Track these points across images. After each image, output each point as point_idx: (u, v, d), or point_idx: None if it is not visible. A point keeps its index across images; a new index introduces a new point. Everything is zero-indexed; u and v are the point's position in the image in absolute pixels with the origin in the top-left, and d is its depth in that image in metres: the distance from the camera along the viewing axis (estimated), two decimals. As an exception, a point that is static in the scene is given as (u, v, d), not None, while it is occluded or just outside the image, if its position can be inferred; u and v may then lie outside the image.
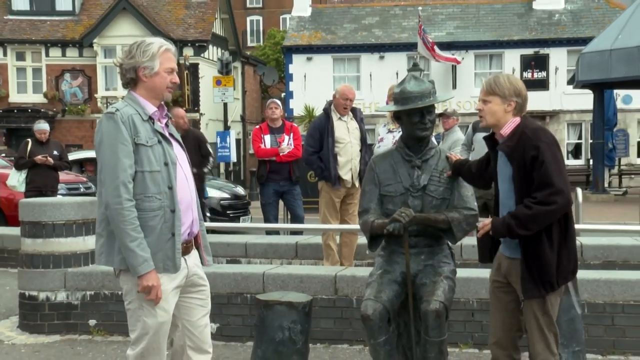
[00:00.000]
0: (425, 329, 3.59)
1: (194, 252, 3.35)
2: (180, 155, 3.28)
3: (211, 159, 9.27)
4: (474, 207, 3.78)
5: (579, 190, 8.54)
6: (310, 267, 6.05)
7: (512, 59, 26.89)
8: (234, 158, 22.59)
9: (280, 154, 8.03)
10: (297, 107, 26.55)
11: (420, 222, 3.69)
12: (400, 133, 4.04)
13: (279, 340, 4.03)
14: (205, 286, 3.38)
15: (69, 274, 5.54)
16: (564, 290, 3.49)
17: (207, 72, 25.91)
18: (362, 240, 6.38)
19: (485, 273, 4.30)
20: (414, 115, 3.74)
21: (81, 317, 5.52)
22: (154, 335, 3.17)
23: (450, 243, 3.87)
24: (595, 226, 7.44)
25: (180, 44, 24.96)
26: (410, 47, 26.20)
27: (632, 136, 26.21)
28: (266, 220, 8.27)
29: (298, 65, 27.60)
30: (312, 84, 26.90)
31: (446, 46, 26.35)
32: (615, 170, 24.02)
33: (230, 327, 5.26)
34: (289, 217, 9.12)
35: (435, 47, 25.05)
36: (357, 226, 4.28)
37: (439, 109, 5.16)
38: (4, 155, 15.56)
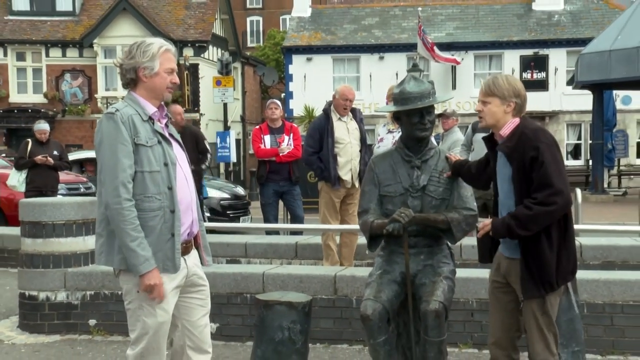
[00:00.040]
0: (425, 329, 3.60)
1: (194, 252, 3.35)
2: (180, 156, 3.29)
3: (209, 156, 9.22)
4: (474, 208, 3.79)
5: (579, 191, 8.55)
6: (310, 267, 6.05)
7: (511, 60, 26.90)
8: (233, 158, 22.61)
9: (280, 154, 8.03)
10: (297, 107, 26.56)
11: (420, 223, 3.70)
12: (400, 133, 4.04)
13: (279, 340, 4.03)
14: (205, 286, 3.38)
15: (69, 274, 5.55)
16: (564, 290, 3.49)
17: (207, 73, 25.91)
18: (362, 240, 6.39)
19: (484, 273, 4.30)
20: (414, 116, 3.75)
21: (81, 317, 5.53)
22: (153, 335, 3.17)
23: (449, 243, 3.87)
24: (595, 226, 7.44)
25: (180, 44, 24.98)
26: (410, 47, 26.21)
27: (632, 137, 26.22)
28: (266, 221, 8.28)
29: (298, 65, 27.60)
30: (311, 84, 26.91)
31: (446, 47, 26.36)
32: (614, 171, 24.03)
33: (230, 327, 5.26)
34: (289, 217, 9.13)
35: (435, 48, 25.06)
36: (357, 226, 4.29)
37: (438, 110, 5.17)
38: (4, 155, 15.56)
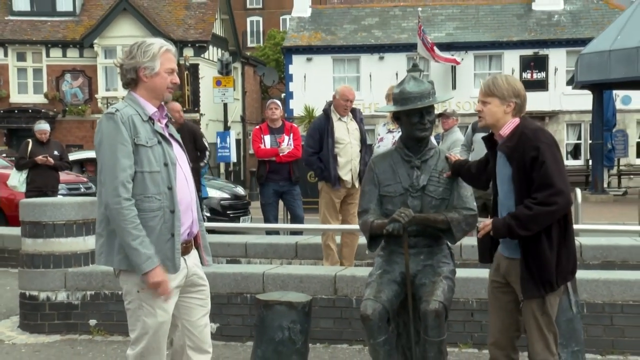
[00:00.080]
0: (425, 328, 3.60)
1: (194, 252, 3.36)
2: (180, 156, 3.29)
3: (207, 153, 9.20)
4: (473, 208, 3.79)
5: (578, 191, 8.56)
6: (310, 267, 6.06)
7: (511, 60, 26.90)
8: (234, 158, 22.62)
9: (280, 154, 8.04)
10: (297, 107, 26.57)
11: (420, 223, 3.70)
12: (400, 133, 4.05)
13: (279, 340, 4.04)
14: (205, 286, 3.39)
15: (69, 274, 5.55)
16: (563, 290, 3.50)
17: (207, 73, 25.92)
18: (362, 240, 6.39)
19: (484, 273, 4.31)
20: (414, 116, 3.75)
21: (81, 317, 5.53)
22: (153, 335, 3.17)
23: (449, 243, 3.88)
24: (594, 226, 7.45)
25: (180, 44, 24.98)
26: (409, 47, 26.21)
27: (631, 136, 26.23)
28: (266, 221, 8.28)
29: (298, 65, 27.60)
30: (312, 84, 26.91)
31: (446, 47, 26.36)
32: (614, 171, 24.04)
33: (230, 327, 5.27)
34: (289, 217, 9.13)
35: (435, 48, 25.06)
36: (358, 226, 4.30)
37: (438, 110, 5.17)
38: (4, 155, 15.56)
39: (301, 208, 8.26)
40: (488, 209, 6.39)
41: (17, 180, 9.92)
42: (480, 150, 6.00)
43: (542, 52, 26.81)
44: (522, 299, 3.36)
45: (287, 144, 8.10)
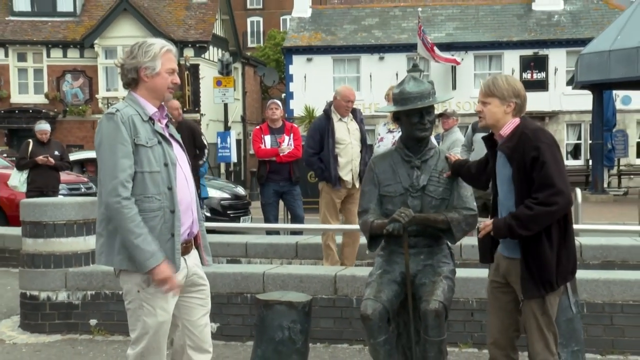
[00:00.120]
0: (425, 328, 3.60)
1: (194, 252, 3.36)
2: (180, 156, 3.29)
3: (206, 151, 9.18)
4: (473, 208, 3.80)
5: (578, 191, 8.56)
6: (310, 267, 6.06)
7: (511, 60, 26.91)
8: (234, 158, 22.64)
9: (281, 154, 8.04)
10: (297, 107, 26.58)
11: (420, 223, 3.70)
12: (400, 133, 4.05)
13: (279, 340, 4.04)
14: (205, 286, 3.39)
15: (69, 274, 5.56)
16: (563, 290, 3.50)
17: (208, 73, 25.93)
18: (363, 240, 6.40)
19: (484, 273, 4.31)
20: (413, 116, 3.75)
21: (82, 316, 5.54)
22: (154, 335, 3.17)
23: (449, 243, 3.88)
24: (594, 226, 7.45)
25: (180, 44, 25.00)
26: (410, 48, 26.22)
27: (631, 137, 26.23)
28: (266, 221, 8.29)
29: (298, 66, 27.61)
30: (312, 84, 26.92)
31: (446, 47, 26.36)
32: (614, 171, 24.04)
33: (230, 326, 5.27)
34: (289, 217, 9.14)
35: (435, 48, 25.07)
36: (358, 226, 4.30)
37: (438, 110, 5.17)
38: (5, 155, 15.57)
39: (301, 208, 8.27)
40: (488, 209, 6.40)
41: (18, 180, 9.92)
42: (480, 150, 6.00)
43: (542, 52, 26.82)
44: (522, 298, 3.37)
45: (287, 144, 8.11)
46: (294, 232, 8.33)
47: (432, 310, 3.54)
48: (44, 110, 25.53)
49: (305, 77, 27.35)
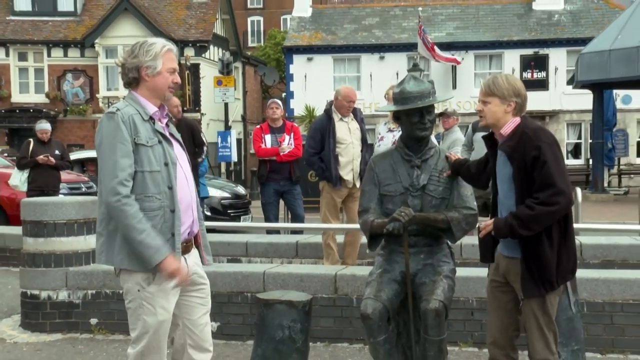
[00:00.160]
0: (425, 327, 3.61)
1: (194, 251, 3.36)
2: (180, 155, 3.29)
3: (205, 149, 9.18)
4: (474, 207, 3.80)
5: (579, 190, 8.55)
6: (311, 267, 6.07)
7: (511, 60, 26.91)
8: (234, 158, 22.65)
9: (281, 154, 8.04)
10: (298, 107, 26.58)
11: (420, 222, 3.71)
12: (400, 132, 4.05)
13: (279, 339, 4.05)
14: (206, 285, 3.40)
15: (70, 273, 5.56)
16: (563, 289, 3.50)
17: (208, 73, 25.94)
18: (364, 239, 6.40)
19: (484, 272, 4.30)
20: (414, 115, 3.76)
21: (82, 315, 5.54)
22: (154, 334, 3.18)
23: (449, 242, 3.89)
24: (595, 225, 7.45)
25: (181, 44, 25.00)
26: (410, 47, 26.22)
27: (632, 136, 26.23)
28: (267, 220, 8.29)
29: (298, 65, 27.62)
30: (312, 84, 26.93)
31: (446, 46, 26.37)
32: (614, 170, 24.05)
33: (230, 325, 5.28)
34: (290, 216, 9.14)
35: (435, 48, 25.07)
36: (358, 225, 4.31)
37: (438, 109, 5.18)
38: (6, 155, 15.57)
39: (302, 207, 8.27)
40: (488, 209, 6.41)
41: (19, 179, 9.93)
42: (480, 150, 6.01)
43: (543, 51, 26.82)
44: (522, 298, 3.37)
45: (287, 144, 8.11)
46: (295, 232, 8.34)
47: (432, 310, 3.55)
48: (44, 110, 25.55)
49: (305, 76, 27.36)
